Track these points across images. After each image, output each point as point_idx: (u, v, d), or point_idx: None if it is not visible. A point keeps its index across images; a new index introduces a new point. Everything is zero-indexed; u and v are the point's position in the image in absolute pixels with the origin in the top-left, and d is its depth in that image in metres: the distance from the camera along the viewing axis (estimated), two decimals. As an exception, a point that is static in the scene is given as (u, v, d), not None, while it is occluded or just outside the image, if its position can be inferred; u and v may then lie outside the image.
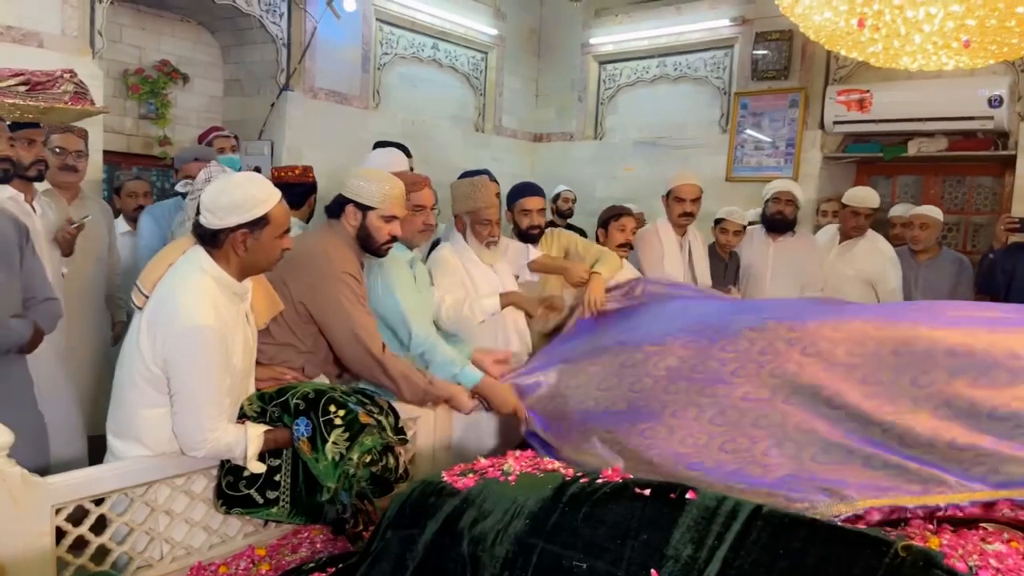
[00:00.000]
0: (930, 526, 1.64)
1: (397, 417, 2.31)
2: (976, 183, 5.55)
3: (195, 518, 2.18)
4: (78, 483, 1.94)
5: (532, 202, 3.42)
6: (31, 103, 2.45)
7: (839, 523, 1.54)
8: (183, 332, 1.96)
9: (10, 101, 2.80)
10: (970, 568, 1.30)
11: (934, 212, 4.30)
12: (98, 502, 1.97)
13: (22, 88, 2.80)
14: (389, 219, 2.55)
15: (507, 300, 3.05)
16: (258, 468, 2.12)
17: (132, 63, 5.10)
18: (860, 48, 2.60)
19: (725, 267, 4.38)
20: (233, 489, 2.15)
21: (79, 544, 1.94)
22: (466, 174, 3.95)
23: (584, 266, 3.28)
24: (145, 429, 2.07)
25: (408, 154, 3.97)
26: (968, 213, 5.56)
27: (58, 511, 1.87)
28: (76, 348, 3.11)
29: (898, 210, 4.81)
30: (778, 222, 4.31)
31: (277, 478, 2.19)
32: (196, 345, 1.96)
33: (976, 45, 2.36)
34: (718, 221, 4.33)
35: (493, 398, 2.68)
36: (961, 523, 1.64)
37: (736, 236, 4.30)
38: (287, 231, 2.15)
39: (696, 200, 3.99)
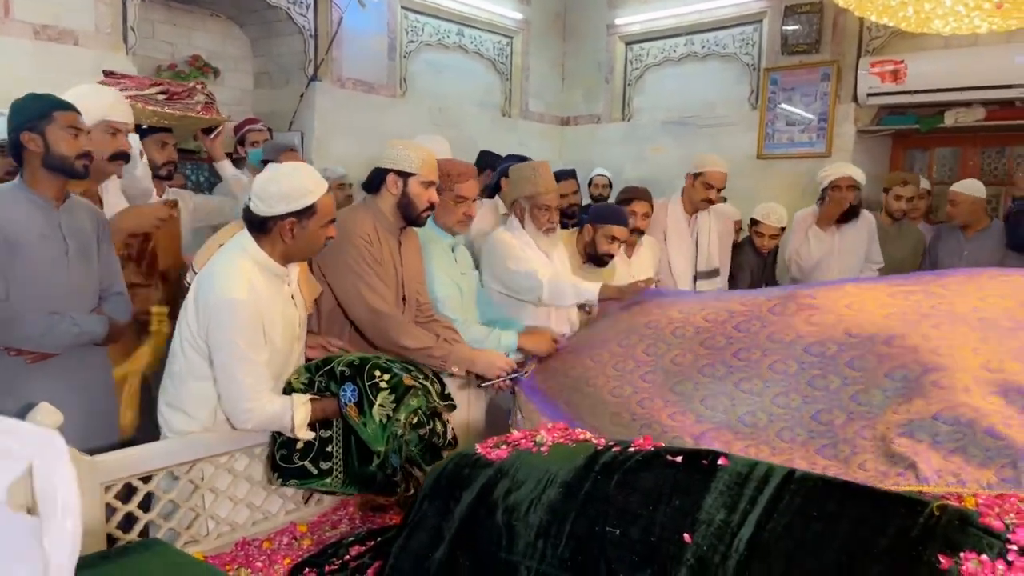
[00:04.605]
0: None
1: (443, 384, 2.36)
2: (1016, 153, 5.40)
3: (239, 495, 2.24)
4: (126, 461, 2.01)
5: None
6: (168, 111, 2.62)
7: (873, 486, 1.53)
8: (217, 304, 2.06)
9: (151, 108, 3.05)
10: (1007, 525, 1.28)
11: (965, 187, 4.15)
12: (146, 480, 2.05)
13: (161, 97, 3.02)
14: (428, 185, 2.61)
15: (606, 293, 2.91)
16: (307, 435, 2.19)
17: (165, 59, 5.20)
18: (891, 13, 2.55)
19: (764, 263, 4.29)
20: (287, 461, 2.22)
21: (129, 521, 2.02)
22: (509, 157, 3.96)
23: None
24: (192, 400, 2.18)
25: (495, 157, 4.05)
26: (1009, 184, 5.41)
27: (107, 489, 1.95)
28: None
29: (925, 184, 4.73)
30: (842, 213, 4.04)
31: (329, 449, 2.25)
32: (228, 316, 2.05)
33: (1009, 6, 2.30)
34: (754, 222, 4.22)
35: (529, 344, 2.79)
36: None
37: (772, 240, 4.15)
38: (332, 220, 2.22)
39: (722, 188, 3.95)
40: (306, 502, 2.44)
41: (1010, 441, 1.61)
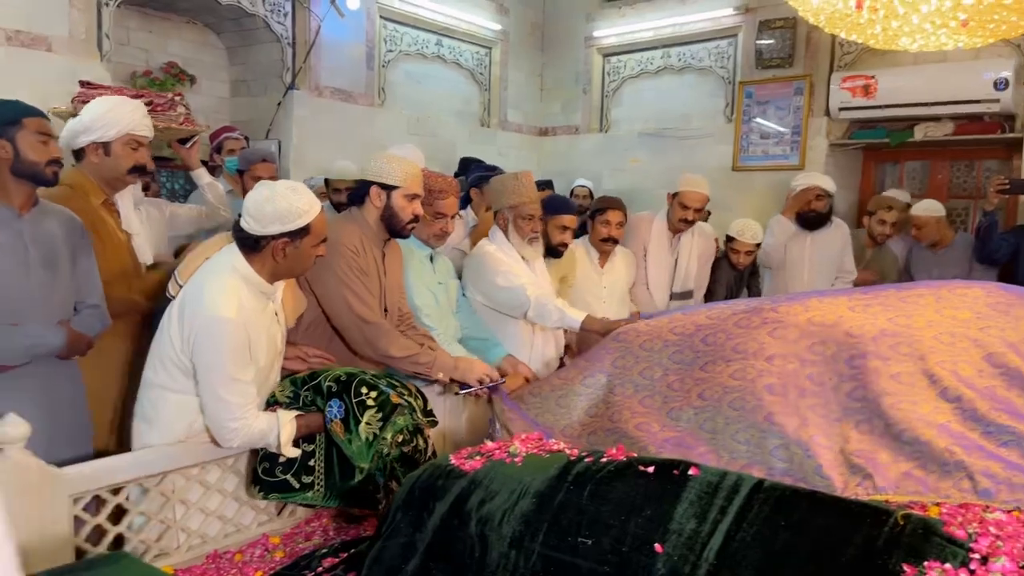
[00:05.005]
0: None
1: (426, 400, 2.37)
2: (985, 167, 5.51)
3: (210, 507, 2.22)
4: (94, 473, 1.98)
5: (570, 219, 3.39)
6: (152, 123, 2.65)
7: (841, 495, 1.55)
8: (206, 322, 2.04)
9: None
10: (969, 535, 1.31)
11: (926, 209, 4.27)
12: (115, 492, 2.02)
13: (145, 110, 3.03)
14: (412, 198, 2.62)
15: (589, 325, 2.90)
16: (293, 453, 2.19)
17: (140, 65, 5.15)
18: (859, 30, 2.61)
19: (740, 277, 4.33)
20: (269, 475, 2.21)
21: (99, 534, 1.99)
22: (486, 167, 3.98)
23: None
24: (169, 413, 2.15)
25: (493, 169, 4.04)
26: (977, 197, 5.52)
27: (76, 501, 1.92)
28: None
29: (892, 194, 4.83)
30: (811, 219, 4.22)
31: (312, 463, 2.25)
32: (217, 335, 2.04)
33: (974, 24, 2.36)
34: (729, 239, 4.25)
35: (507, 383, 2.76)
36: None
37: (748, 256, 4.19)
38: (324, 240, 2.23)
39: (700, 209, 3.95)
40: (279, 513, 2.42)
41: (963, 459, 1.65)
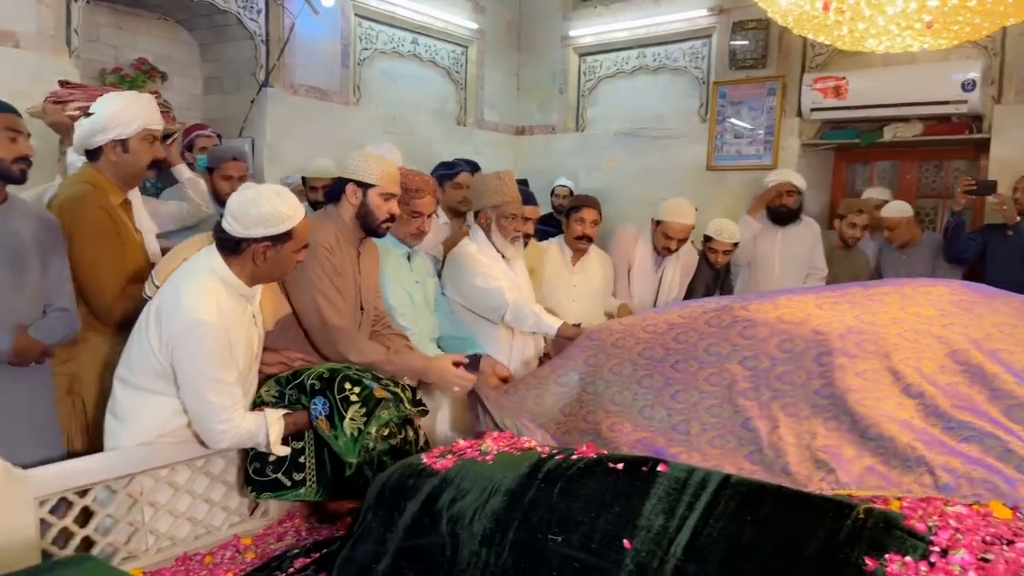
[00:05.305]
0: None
1: (415, 391, 2.37)
2: (953, 167, 5.61)
3: (179, 509, 2.20)
4: (60, 475, 1.96)
5: (532, 210, 3.39)
6: None
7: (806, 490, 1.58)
8: (185, 325, 2.03)
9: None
10: (929, 528, 1.34)
11: (897, 210, 4.38)
12: (82, 495, 1.99)
13: (156, 102, 2.98)
14: (388, 197, 2.61)
15: (565, 332, 2.89)
16: (282, 451, 2.20)
17: (109, 62, 5.07)
18: (827, 31, 2.65)
19: (717, 276, 4.37)
20: (261, 475, 2.22)
21: (65, 536, 1.96)
22: (442, 165, 3.97)
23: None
24: (141, 413, 2.13)
25: (478, 169, 3.99)
26: (945, 197, 5.61)
27: (42, 503, 1.89)
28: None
29: (871, 193, 4.92)
30: (782, 214, 4.37)
31: (302, 460, 2.25)
32: (198, 338, 2.03)
33: (939, 26, 2.41)
34: (707, 238, 4.25)
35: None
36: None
37: (726, 255, 4.18)
38: (306, 246, 2.22)
39: (684, 239, 3.89)
40: (251, 514, 2.40)
41: (924, 455, 1.69)
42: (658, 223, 3.87)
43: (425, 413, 2.41)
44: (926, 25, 2.38)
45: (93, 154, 2.48)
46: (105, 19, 5.08)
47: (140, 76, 5.09)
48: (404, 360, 2.58)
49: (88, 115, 2.45)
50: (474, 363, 2.71)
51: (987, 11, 2.44)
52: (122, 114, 2.42)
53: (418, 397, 2.38)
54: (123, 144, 2.46)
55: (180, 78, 5.49)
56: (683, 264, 4.09)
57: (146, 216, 2.67)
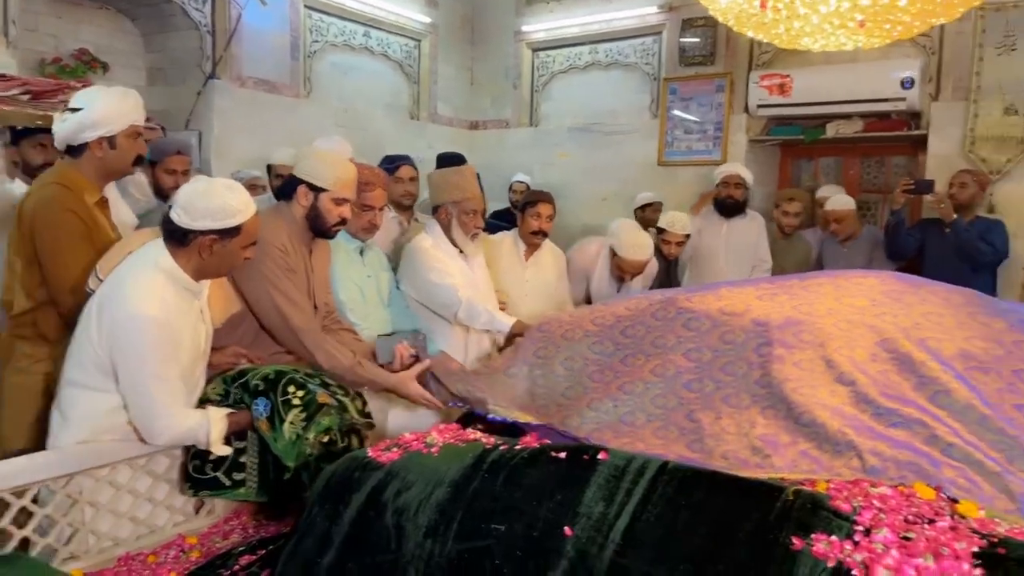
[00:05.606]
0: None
1: (364, 402, 2.35)
2: (894, 163, 5.79)
3: (121, 509, 2.16)
4: (-5, 475, 1.91)
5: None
6: (30, 111, 2.49)
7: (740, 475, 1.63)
8: (126, 319, 1.99)
9: (9, 108, 2.94)
10: (854, 508, 1.39)
11: (843, 203, 4.58)
12: (19, 495, 1.95)
13: (24, 97, 2.92)
14: (340, 202, 2.58)
15: (518, 329, 2.87)
16: (223, 451, 2.17)
17: (48, 52, 4.92)
18: (765, 29, 2.72)
19: (668, 267, 4.43)
20: (200, 472, 2.19)
21: (2, 537, 1.91)
22: (385, 160, 3.94)
23: None
24: (82, 410, 2.09)
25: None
26: (886, 192, 5.79)
27: (-25, 505, 1.85)
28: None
29: (824, 192, 5.07)
30: (729, 205, 4.55)
31: (243, 459, 2.23)
32: (139, 333, 1.99)
33: (871, 25, 2.49)
34: (660, 231, 4.26)
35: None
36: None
37: (679, 247, 4.20)
38: (254, 243, 2.20)
39: (639, 273, 3.80)
40: (196, 513, 2.37)
41: (853, 439, 1.76)
42: (614, 254, 3.74)
43: (372, 426, 2.39)
44: (858, 24, 2.46)
45: (76, 150, 2.40)
46: (44, 7, 4.93)
47: (81, 67, 4.95)
48: (368, 372, 2.54)
49: (74, 111, 2.35)
50: (415, 343, 2.70)
51: (918, 11, 2.53)
52: (113, 110, 2.34)
53: (367, 409, 2.36)
54: (110, 140, 2.39)
55: (123, 69, 5.35)
56: (645, 275, 4.10)
57: (124, 210, 2.63)
